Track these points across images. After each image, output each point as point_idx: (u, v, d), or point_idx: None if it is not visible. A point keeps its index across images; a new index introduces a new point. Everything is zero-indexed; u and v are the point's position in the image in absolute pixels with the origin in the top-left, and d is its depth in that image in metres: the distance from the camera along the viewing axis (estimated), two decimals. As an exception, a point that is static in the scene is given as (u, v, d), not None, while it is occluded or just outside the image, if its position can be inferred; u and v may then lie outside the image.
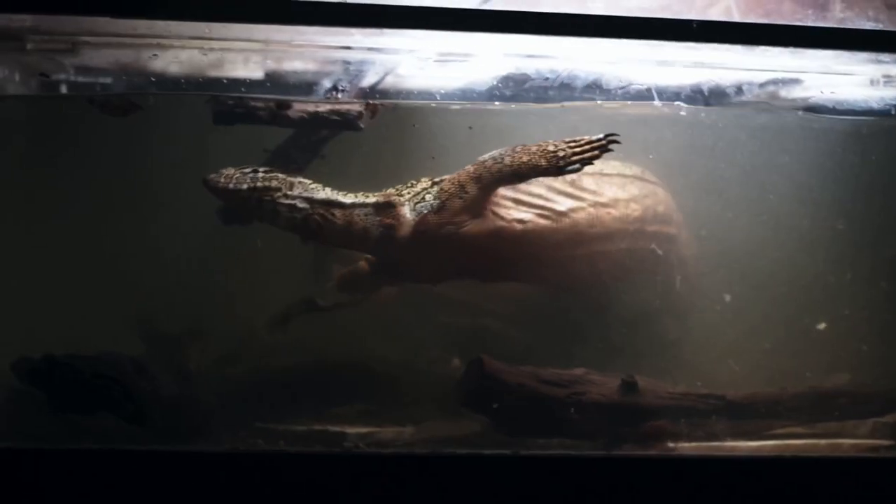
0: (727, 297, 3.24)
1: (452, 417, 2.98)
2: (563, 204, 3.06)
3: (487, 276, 3.11)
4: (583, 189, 3.09)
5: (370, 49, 2.87)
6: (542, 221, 3.03)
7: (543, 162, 2.86)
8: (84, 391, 2.79)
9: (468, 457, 2.75)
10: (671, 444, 2.89)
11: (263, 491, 2.65)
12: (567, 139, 2.86)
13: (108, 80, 2.95)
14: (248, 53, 2.89)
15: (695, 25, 2.68)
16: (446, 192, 2.93)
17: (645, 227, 3.15)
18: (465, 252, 2.96)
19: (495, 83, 2.94)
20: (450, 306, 3.17)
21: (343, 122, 3.01)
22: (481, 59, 2.90)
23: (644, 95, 2.95)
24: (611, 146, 2.84)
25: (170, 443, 2.76)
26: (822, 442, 2.97)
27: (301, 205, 2.91)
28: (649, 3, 2.77)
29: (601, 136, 2.84)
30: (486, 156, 2.90)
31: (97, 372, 2.80)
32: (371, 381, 3.10)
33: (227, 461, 2.70)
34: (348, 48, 2.86)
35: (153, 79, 2.91)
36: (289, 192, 2.90)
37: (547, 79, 2.92)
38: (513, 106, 2.99)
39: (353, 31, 2.73)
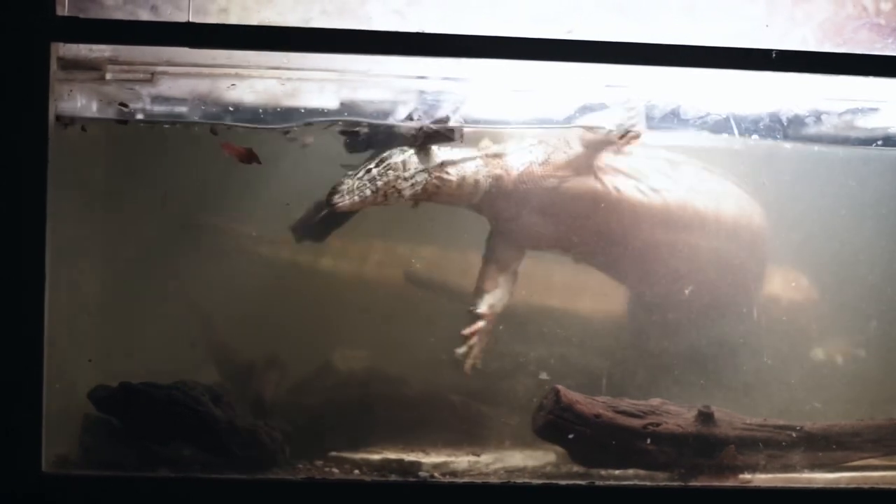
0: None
1: (528, 447, 2.98)
2: (658, 182, 3.12)
3: (578, 246, 3.15)
4: (682, 174, 3.16)
5: (446, 79, 2.87)
6: (637, 194, 3.11)
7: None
8: (160, 419, 2.80)
9: (543, 487, 2.74)
10: (747, 476, 2.86)
11: (339, 520, 2.65)
12: None
13: (185, 109, 2.97)
14: (323, 83, 2.89)
15: (774, 55, 2.67)
16: (552, 146, 3.03)
17: (739, 232, 3.18)
18: (562, 211, 3.07)
19: (573, 113, 2.94)
20: (526, 335, 3.15)
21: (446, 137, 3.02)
22: (558, 89, 2.90)
23: (722, 126, 2.94)
24: None
25: (245, 471, 2.75)
26: (902, 474, 2.95)
27: (420, 177, 2.97)
28: (726, 32, 2.76)
29: None
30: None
31: (173, 400, 2.80)
32: (447, 410, 3.09)
33: (303, 490, 2.69)
34: (424, 77, 2.87)
35: (231, 108, 2.92)
36: (406, 174, 2.95)
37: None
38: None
39: (430, 60, 2.75)
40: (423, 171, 2.97)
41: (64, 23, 2.58)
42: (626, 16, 2.75)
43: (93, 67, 2.81)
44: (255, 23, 2.69)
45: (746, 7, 2.81)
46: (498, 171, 3.05)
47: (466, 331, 3.09)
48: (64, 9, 2.59)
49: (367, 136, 3.00)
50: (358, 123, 2.99)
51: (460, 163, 3.02)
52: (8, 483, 2.54)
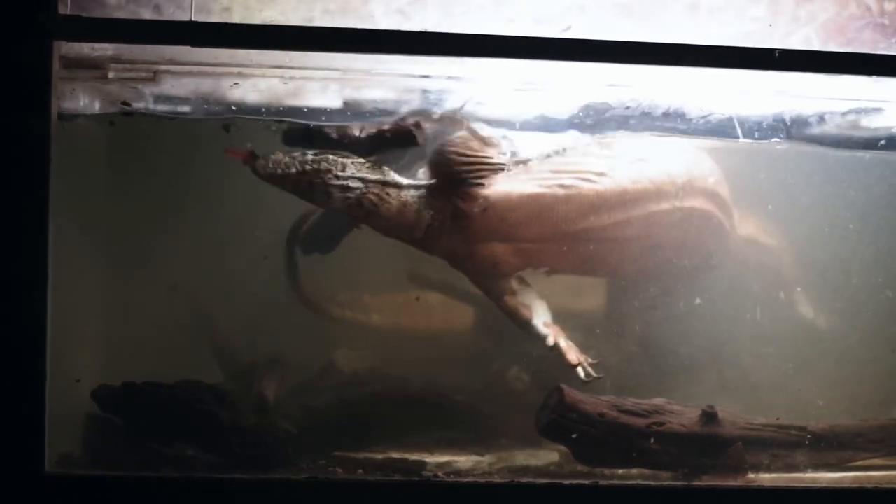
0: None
1: (532, 447, 2.98)
2: (600, 165, 3.02)
3: (545, 257, 3.05)
4: (619, 150, 3.05)
5: (449, 78, 2.87)
6: (584, 184, 2.99)
7: None
8: (163, 418, 2.79)
9: (547, 486, 2.74)
10: (751, 475, 2.86)
11: (342, 519, 2.65)
12: None
13: (188, 108, 2.96)
14: (326, 82, 2.89)
15: (777, 54, 2.67)
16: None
17: (694, 184, 3.07)
18: (515, 228, 2.95)
19: (576, 112, 2.94)
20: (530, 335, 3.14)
21: (404, 140, 2.99)
22: (561, 88, 2.89)
23: (725, 125, 2.93)
24: None
25: (248, 471, 2.74)
26: (905, 474, 2.94)
27: (354, 184, 2.87)
28: (729, 32, 2.76)
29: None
30: None
31: (176, 399, 2.80)
32: (450, 410, 3.09)
33: (306, 489, 2.69)
34: (427, 77, 2.87)
35: (233, 107, 2.92)
36: (340, 173, 2.86)
37: (628, 108, 2.92)
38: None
39: (433, 59, 2.74)
40: (361, 179, 2.88)
41: (66, 21, 2.58)
42: (628, 15, 2.75)
43: (95, 66, 2.81)
44: (257, 22, 2.68)
45: (749, 7, 2.80)
46: (437, 202, 2.94)
47: (572, 363, 3.01)
48: (66, 7, 2.59)
49: (309, 132, 2.95)
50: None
51: (406, 188, 2.93)
52: (10, 483, 2.54)
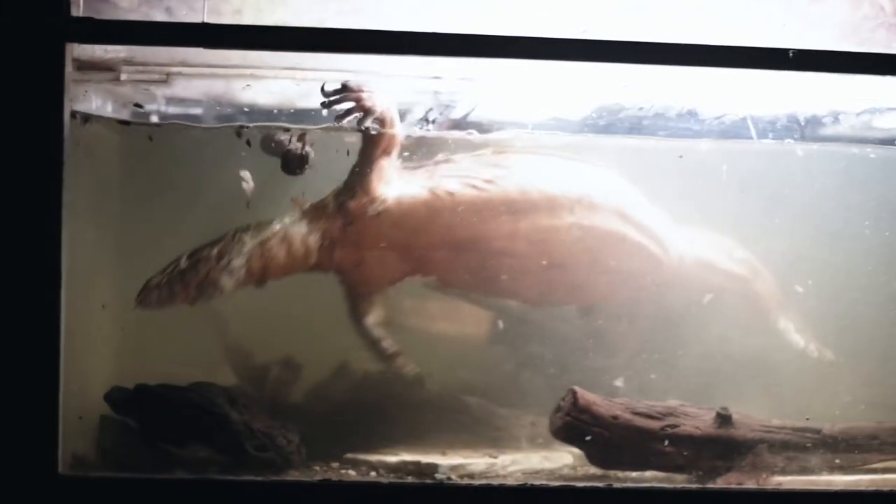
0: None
1: (545, 449, 2.97)
2: (490, 172, 2.99)
3: (441, 270, 3.05)
4: (509, 159, 3.02)
5: (461, 79, 2.87)
6: (470, 190, 2.97)
7: None
8: (176, 420, 2.79)
9: (561, 489, 2.73)
10: (766, 478, 2.84)
11: (355, 522, 2.64)
12: None
13: (199, 110, 2.96)
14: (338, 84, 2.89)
15: (791, 54, 2.66)
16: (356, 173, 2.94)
17: (594, 201, 3.03)
18: (405, 234, 2.95)
19: (589, 113, 2.93)
20: (541, 336, 3.14)
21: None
22: (574, 89, 2.89)
23: (739, 126, 2.93)
24: None
25: (261, 473, 2.74)
26: (921, 477, 2.93)
27: (238, 263, 2.90)
28: (743, 32, 2.75)
29: None
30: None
31: (189, 401, 2.80)
32: (464, 411, 3.08)
33: (319, 492, 2.68)
34: (438, 78, 2.86)
35: (245, 109, 2.92)
36: (218, 264, 2.88)
37: (641, 108, 2.91)
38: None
39: (445, 60, 2.74)
40: (239, 254, 2.90)
41: (79, 23, 2.58)
42: (641, 15, 2.74)
43: (108, 68, 2.83)
44: (269, 23, 2.68)
45: (762, 7, 2.79)
46: (322, 225, 2.96)
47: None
48: (79, 10, 2.60)
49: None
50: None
51: (281, 231, 2.94)
52: (24, 485, 2.54)
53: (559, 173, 3.04)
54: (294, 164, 2.95)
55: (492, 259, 3.00)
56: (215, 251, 2.89)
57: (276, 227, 2.94)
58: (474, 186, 2.97)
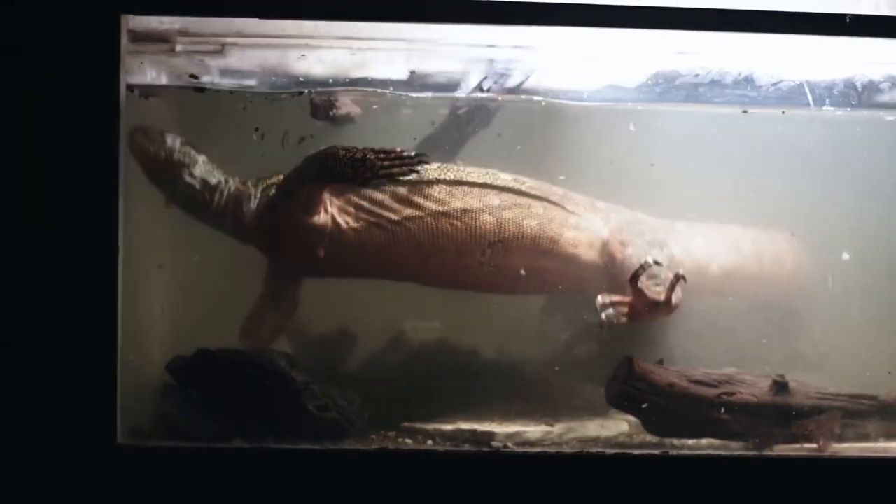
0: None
1: (601, 417, 2.98)
2: (399, 213, 2.98)
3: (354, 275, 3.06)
4: (427, 198, 2.99)
5: (516, 47, 2.86)
6: (377, 231, 2.97)
7: (349, 170, 2.80)
8: (239, 383, 2.80)
9: (617, 457, 2.73)
10: (822, 444, 2.84)
11: (412, 489, 2.65)
12: (378, 149, 2.81)
13: (254, 81, 2.97)
14: (393, 53, 2.88)
15: (848, 20, 2.64)
16: (279, 190, 2.94)
17: (511, 243, 3.01)
18: (312, 252, 2.96)
19: (644, 80, 2.92)
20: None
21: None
22: (629, 57, 2.87)
23: (796, 92, 2.91)
24: (419, 166, 2.81)
25: (319, 442, 2.75)
26: (979, 442, 2.91)
27: (199, 186, 2.96)
28: (798, -1, 2.74)
29: (413, 153, 2.81)
30: (312, 152, 2.87)
31: (252, 363, 2.81)
32: (520, 380, 3.09)
33: (376, 460, 2.69)
34: (493, 46, 2.85)
35: (300, 80, 2.92)
36: (193, 171, 2.96)
37: (697, 75, 2.89)
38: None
39: (500, 28, 2.73)
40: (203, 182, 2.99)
41: (134, -5, 2.59)
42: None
43: (163, 40, 2.82)
44: (325, -8, 2.68)
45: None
46: (239, 212, 2.98)
47: None
48: (134, -19, 2.60)
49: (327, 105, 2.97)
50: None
51: (214, 189, 2.98)
52: (83, 455, 2.56)
53: (479, 208, 3.02)
54: (321, 110, 2.97)
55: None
56: (197, 158, 2.98)
57: (213, 180, 3.00)
58: (380, 226, 2.98)
